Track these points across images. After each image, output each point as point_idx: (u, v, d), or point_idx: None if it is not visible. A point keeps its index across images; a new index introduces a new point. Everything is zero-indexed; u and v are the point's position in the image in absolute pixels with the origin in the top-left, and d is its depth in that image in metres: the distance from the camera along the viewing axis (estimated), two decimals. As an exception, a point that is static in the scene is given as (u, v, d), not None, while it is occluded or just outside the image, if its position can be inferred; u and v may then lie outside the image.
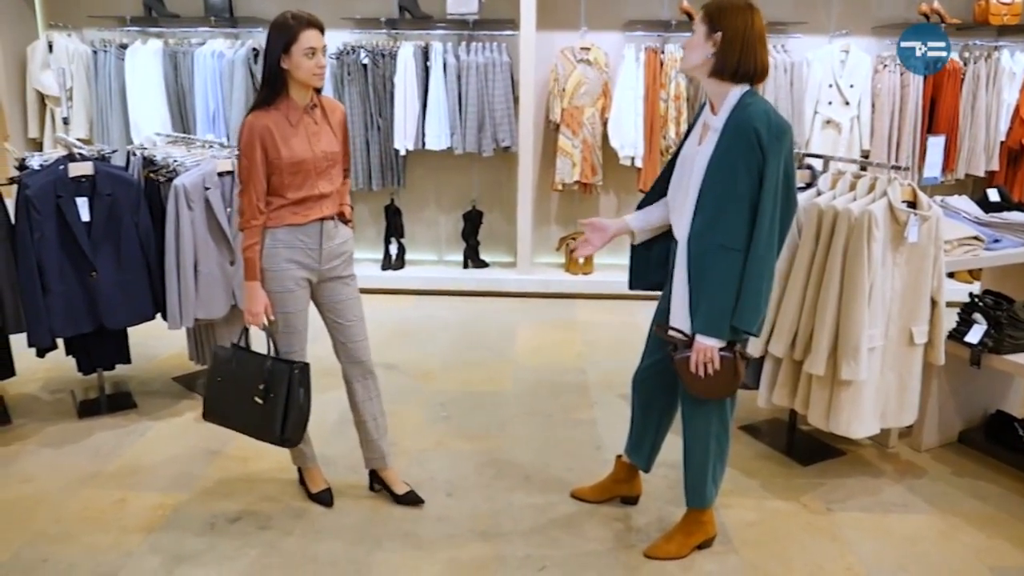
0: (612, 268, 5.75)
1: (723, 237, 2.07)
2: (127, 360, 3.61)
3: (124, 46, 5.28)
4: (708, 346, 2.12)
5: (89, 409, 3.51)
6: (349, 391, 2.71)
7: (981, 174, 5.26)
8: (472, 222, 5.66)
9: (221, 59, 5.17)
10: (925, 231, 2.78)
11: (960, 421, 3.33)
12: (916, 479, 3.03)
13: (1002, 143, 5.25)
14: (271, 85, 2.39)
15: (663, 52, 5.20)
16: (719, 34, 2.06)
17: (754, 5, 2.11)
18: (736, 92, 2.10)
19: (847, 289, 2.72)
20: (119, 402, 3.59)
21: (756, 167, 2.02)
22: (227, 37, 5.37)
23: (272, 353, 2.54)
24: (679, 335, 2.22)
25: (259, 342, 2.62)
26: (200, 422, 3.41)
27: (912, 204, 2.78)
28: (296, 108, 2.43)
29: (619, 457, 2.77)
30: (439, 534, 2.61)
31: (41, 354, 3.39)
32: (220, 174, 3.29)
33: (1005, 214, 3.68)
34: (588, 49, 5.23)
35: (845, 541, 2.61)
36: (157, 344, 4.19)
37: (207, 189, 3.25)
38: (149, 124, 5.18)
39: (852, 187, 2.87)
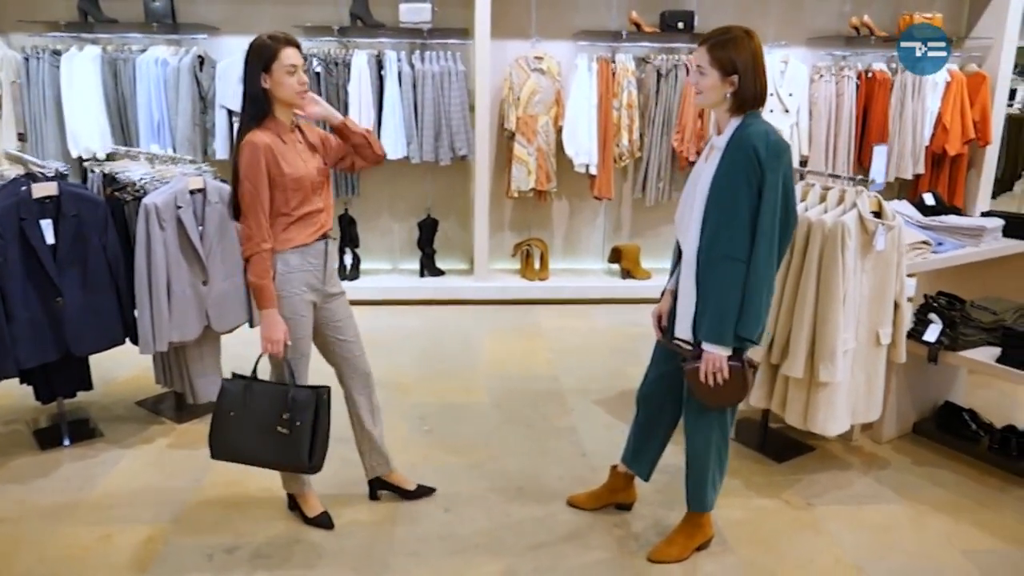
0: (567, 273, 5.86)
1: (727, 248, 2.17)
2: (89, 386, 3.45)
3: (57, 52, 5.01)
4: (716, 355, 2.22)
5: (50, 439, 3.34)
6: (353, 404, 2.72)
7: (909, 177, 5.60)
8: (427, 230, 5.65)
9: (165, 67, 4.98)
10: (890, 239, 2.96)
11: (914, 413, 3.56)
12: (881, 470, 3.23)
13: (926, 148, 5.61)
14: (255, 107, 2.38)
15: (615, 62, 5.32)
16: (736, 76, 2.15)
17: (750, 30, 2.21)
18: (740, 115, 2.20)
19: (823, 296, 2.88)
20: (81, 431, 3.43)
21: (756, 183, 2.13)
22: (169, 44, 5.18)
23: (290, 380, 2.49)
24: (685, 345, 2.31)
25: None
26: (174, 448, 3.33)
27: (877, 214, 2.96)
28: (284, 127, 2.44)
29: (614, 467, 2.84)
30: (445, 552, 2.62)
31: (-7, 384, 3.21)
32: (192, 192, 3.19)
33: (943, 217, 3.95)
34: (541, 58, 5.30)
35: (829, 534, 2.76)
36: (114, 367, 4.01)
37: (179, 208, 3.14)
38: (88, 135, 4.95)
39: (822, 199, 3.03)
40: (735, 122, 2.19)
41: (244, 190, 2.36)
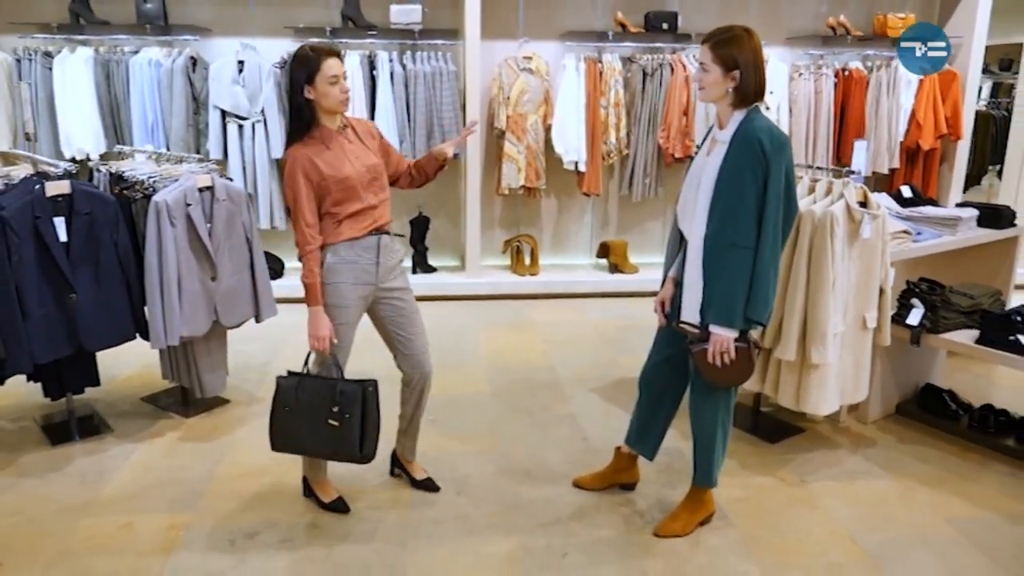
0: (557, 268, 5.99)
1: (734, 236, 2.30)
2: (96, 382, 3.51)
3: (49, 54, 5.02)
4: (724, 337, 2.35)
5: (60, 435, 3.39)
6: (406, 393, 2.85)
7: (885, 171, 5.81)
8: (419, 228, 5.74)
9: (158, 68, 5.01)
10: (875, 228, 3.12)
11: (897, 395, 3.73)
12: (869, 448, 3.39)
13: (901, 143, 5.82)
14: (300, 117, 2.50)
15: (601, 61, 5.46)
16: (737, 72, 2.28)
17: (750, 28, 2.35)
18: (743, 110, 2.33)
19: (813, 282, 3.03)
20: (90, 426, 3.48)
21: (761, 174, 2.27)
22: (161, 45, 5.21)
23: (338, 374, 2.60)
24: (692, 328, 2.44)
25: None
26: (185, 441, 3.40)
27: (863, 204, 3.11)
28: (330, 132, 2.53)
29: (618, 448, 2.96)
30: (460, 531, 2.72)
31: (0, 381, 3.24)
32: (200, 190, 3.26)
33: (921, 208, 4.13)
34: (530, 58, 5.42)
35: (824, 509, 2.91)
36: (115, 365, 4.04)
37: (188, 205, 3.21)
38: (82, 136, 4.98)
39: (811, 190, 3.18)
40: (738, 116, 2.33)
41: (287, 198, 2.52)
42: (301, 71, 2.44)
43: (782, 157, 2.28)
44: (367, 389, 2.55)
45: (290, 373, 2.62)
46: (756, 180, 2.26)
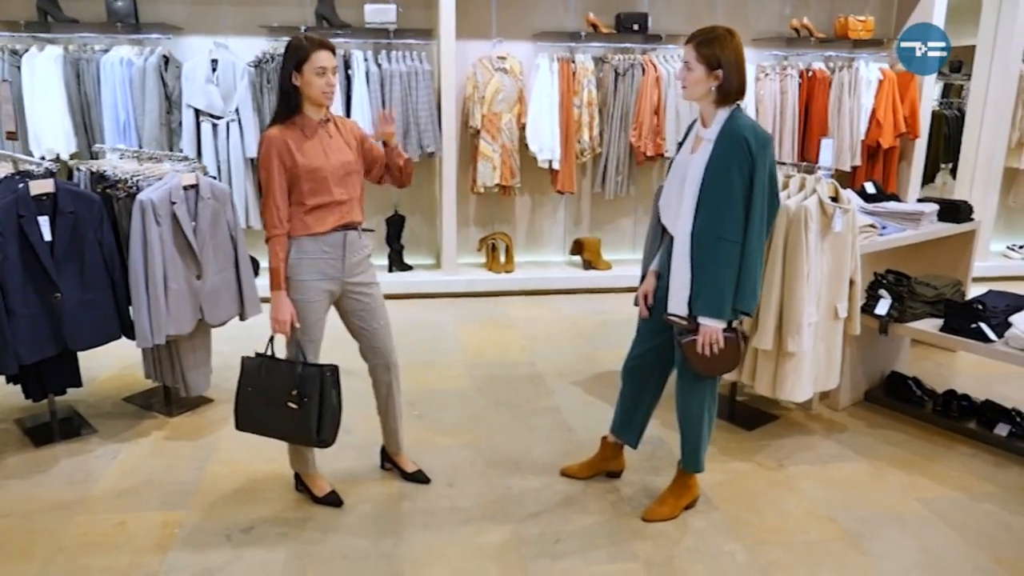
0: (531, 266, 6.06)
1: (721, 230, 2.39)
2: (78, 383, 3.48)
3: (16, 52, 4.93)
4: (713, 328, 2.45)
5: (43, 437, 3.36)
6: (377, 388, 2.89)
7: (847, 169, 6.01)
8: (395, 227, 5.77)
9: (130, 67, 4.96)
10: (845, 221, 3.26)
11: (865, 383, 3.89)
12: (840, 433, 3.54)
13: (862, 141, 6.03)
14: (286, 101, 2.55)
15: (574, 61, 5.55)
16: (720, 71, 2.38)
17: (732, 29, 2.45)
18: (726, 108, 2.43)
19: (789, 274, 3.15)
20: (73, 427, 3.45)
21: (747, 170, 2.37)
22: (132, 44, 5.15)
23: (299, 358, 2.64)
24: (679, 320, 2.53)
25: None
26: (171, 440, 3.39)
27: (834, 199, 3.25)
28: (311, 123, 2.58)
29: (604, 438, 3.05)
30: (454, 521, 2.78)
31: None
32: (185, 188, 3.26)
33: (884, 204, 4.30)
34: (504, 58, 5.48)
35: (801, 491, 3.03)
36: (94, 367, 4.00)
37: (173, 204, 3.21)
38: (52, 135, 4.90)
39: (784, 186, 3.31)
40: (722, 114, 2.42)
41: (261, 179, 2.57)
42: (292, 57, 2.50)
43: (766, 154, 2.38)
44: (325, 374, 2.60)
45: (257, 354, 2.67)
46: (743, 176, 2.36)
